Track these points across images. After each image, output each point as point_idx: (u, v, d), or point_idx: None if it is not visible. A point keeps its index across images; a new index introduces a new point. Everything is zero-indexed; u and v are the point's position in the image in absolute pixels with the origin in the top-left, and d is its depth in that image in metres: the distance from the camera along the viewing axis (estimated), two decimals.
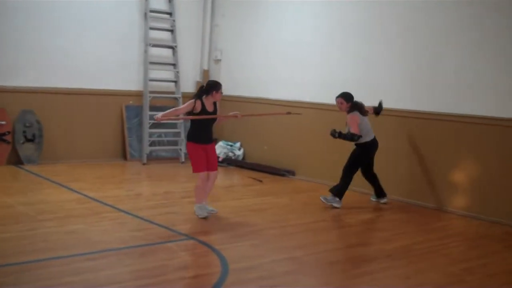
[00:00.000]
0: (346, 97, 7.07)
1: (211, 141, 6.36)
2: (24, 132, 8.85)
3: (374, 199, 7.45)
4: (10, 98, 8.74)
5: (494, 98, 6.76)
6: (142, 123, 9.93)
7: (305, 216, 6.59)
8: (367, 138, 7.04)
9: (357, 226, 6.34)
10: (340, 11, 8.49)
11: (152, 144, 9.95)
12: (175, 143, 10.25)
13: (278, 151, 9.08)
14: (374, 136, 7.15)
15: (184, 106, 6.28)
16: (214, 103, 6.28)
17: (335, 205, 6.96)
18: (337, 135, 6.90)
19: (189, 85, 10.68)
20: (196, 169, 6.19)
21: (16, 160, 8.81)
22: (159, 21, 10.21)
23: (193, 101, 6.15)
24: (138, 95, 10.01)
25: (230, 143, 10.10)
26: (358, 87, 7.97)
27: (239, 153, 9.95)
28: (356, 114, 6.98)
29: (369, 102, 7.92)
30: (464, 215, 6.93)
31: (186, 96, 10.49)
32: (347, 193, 7.08)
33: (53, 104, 9.20)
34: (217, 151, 9.96)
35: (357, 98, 7.10)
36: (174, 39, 10.29)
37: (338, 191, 7.03)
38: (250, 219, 6.30)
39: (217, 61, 10.69)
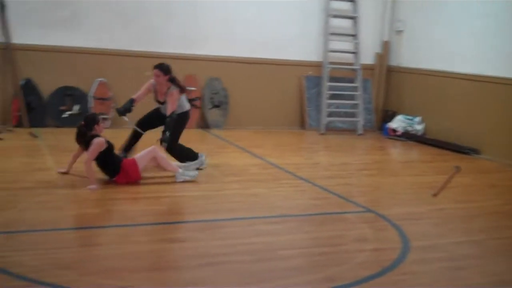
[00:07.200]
0: (164, 69, 6.20)
1: None
2: (211, 98, 9.43)
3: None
4: (200, 66, 9.36)
5: None
6: (320, 93, 10.04)
7: (490, 198, 6.21)
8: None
9: None
10: None
11: (330, 115, 10.03)
12: (352, 114, 10.22)
13: (462, 127, 8.61)
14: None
15: None
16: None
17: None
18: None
19: (368, 56, 10.51)
20: None
21: (204, 124, 9.47)
22: None
23: None
24: (318, 65, 10.11)
25: (409, 117, 9.79)
26: None
27: (419, 128, 9.62)
28: (176, 90, 6.19)
29: None
30: None
31: (365, 68, 10.39)
32: None
33: (237, 72, 9.65)
34: (395, 125, 9.76)
35: None
36: (355, 9, 10.17)
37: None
38: (428, 196, 6.09)
39: (399, 32, 10.36)
